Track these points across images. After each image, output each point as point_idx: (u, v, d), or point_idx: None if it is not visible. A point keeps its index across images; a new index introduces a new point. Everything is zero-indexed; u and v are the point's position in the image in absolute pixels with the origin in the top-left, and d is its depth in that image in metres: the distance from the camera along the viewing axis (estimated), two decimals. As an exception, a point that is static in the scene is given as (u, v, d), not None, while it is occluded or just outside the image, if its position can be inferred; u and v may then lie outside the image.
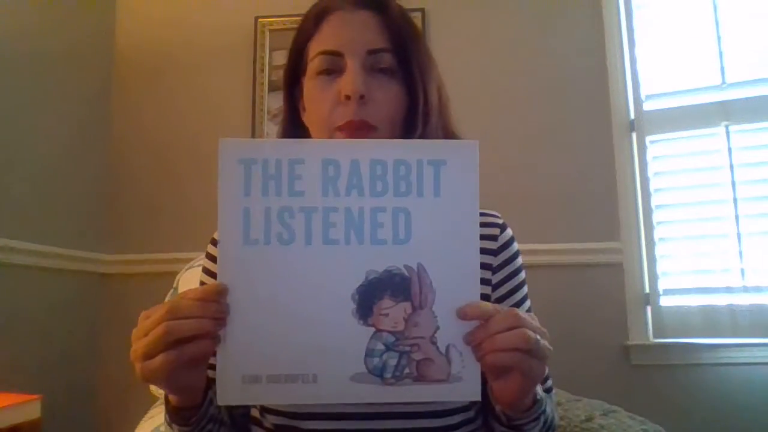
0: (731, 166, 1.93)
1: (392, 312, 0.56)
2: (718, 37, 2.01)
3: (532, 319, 0.58)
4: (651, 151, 2.06)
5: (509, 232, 0.82)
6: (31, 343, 1.85)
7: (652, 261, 2.01)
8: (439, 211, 0.57)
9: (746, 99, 1.95)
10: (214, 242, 0.81)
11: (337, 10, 0.76)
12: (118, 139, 2.35)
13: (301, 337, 0.55)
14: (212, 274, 0.79)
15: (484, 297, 0.77)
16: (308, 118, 0.78)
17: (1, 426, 1.33)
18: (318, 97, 0.74)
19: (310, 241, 0.56)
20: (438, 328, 0.56)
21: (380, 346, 0.55)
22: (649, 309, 2.00)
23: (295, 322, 0.55)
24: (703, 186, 2.00)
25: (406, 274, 0.56)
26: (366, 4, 0.75)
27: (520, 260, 0.81)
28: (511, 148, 2.07)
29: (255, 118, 2.28)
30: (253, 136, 2.27)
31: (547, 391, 0.77)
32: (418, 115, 0.74)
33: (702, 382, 1.90)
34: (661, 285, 1.99)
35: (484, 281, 0.77)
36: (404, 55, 0.74)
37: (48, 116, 2.01)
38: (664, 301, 1.98)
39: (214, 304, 0.54)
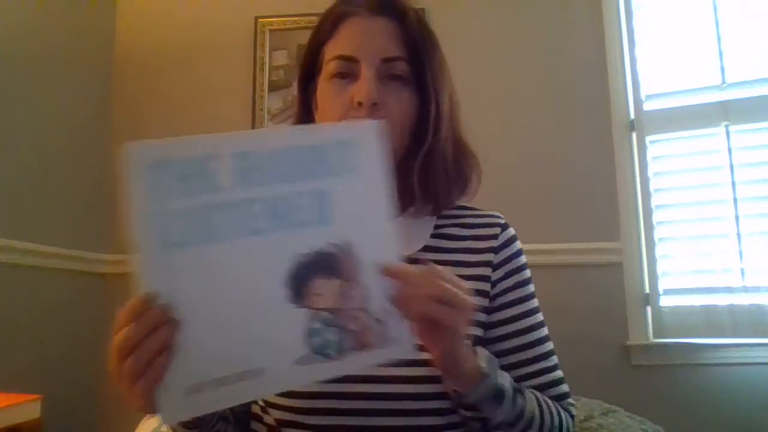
0: (731, 166, 1.93)
1: (325, 290, 0.56)
2: (718, 37, 2.01)
3: (451, 275, 0.60)
4: (651, 151, 2.06)
5: (511, 231, 0.82)
6: (31, 343, 1.85)
7: (652, 261, 2.01)
8: (355, 189, 0.58)
9: (746, 99, 1.95)
10: None
11: (355, 15, 0.77)
12: (118, 139, 2.35)
13: (240, 333, 0.54)
14: None
15: (483, 293, 0.77)
16: (320, 117, 0.80)
17: (1, 426, 1.33)
18: (331, 100, 0.76)
19: (234, 235, 0.54)
20: (369, 297, 0.57)
21: (318, 325, 0.56)
22: (649, 309, 2.00)
23: (231, 320, 0.54)
24: (703, 186, 2.00)
25: (333, 251, 0.57)
26: (384, 10, 0.76)
27: (523, 259, 0.82)
28: (511, 148, 2.07)
29: (255, 118, 2.29)
30: (253, 136, 2.27)
31: (560, 398, 0.77)
32: (428, 123, 0.76)
33: (702, 382, 1.90)
34: (661, 285, 1.99)
35: (483, 278, 0.78)
36: (419, 64, 0.75)
37: (48, 116, 2.01)
38: (664, 301, 1.98)
39: (152, 317, 0.51)
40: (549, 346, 0.79)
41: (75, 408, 2.00)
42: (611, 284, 2.02)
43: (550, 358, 0.78)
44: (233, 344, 0.54)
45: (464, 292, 0.58)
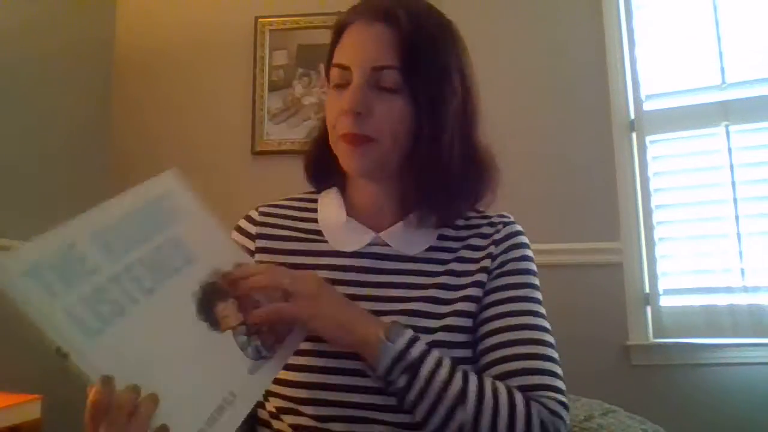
0: (731, 166, 1.93)
1: (228, 311, 0.65)
2: (718, 37, 2.01)
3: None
4: (651, 151, 2.06)
5: (515, 227, 0.82)
6: (31, 343, 1.85)
7: (652, 261, 2.01)
8: (192, 225, 0.67)
9: (746, 99, 1.95)
10: (240, 229, 0.85)
11: (355, 23, 0.77)
12: (118, 139, 2.35)
13: (192, 379, 0.59)
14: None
15: (481, 284, 0.77)
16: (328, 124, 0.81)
17: (1, 426, 1.33)
18: (329, 106, 0.78)
19: (134, 302, 0.58)
20: (258, 301, 0.67)
21: (243, 338, 0.65)
22: (649, 309, 2.00)
23: (182, 369, 0.59)
24: (703, 186, 2.00)
25: (213, 279, 0.65)
26: (380, 17, 0.75)
27: (526, 252, 0.81)
28: (511, 148, 2.06)
29: (255, 118, 2.29)
30: (253, 135, 2.28)
31: (539, 388, 0.70)
32: (423, 130, 0.75)
33: (702, 382, 1.90)
34: (661, 285, 1.99)
35: (483, 269, 0.78)
36: (412, 73, 0.74)
37: (48, 116, 2.01)
38: (664, 301, 1.98)
39: (125, 402, 0.52)
40: (542, 335, 0.74)
41: (75, 408, 1.99)
42: (611, 284, 2.02)
43: (539, 346, 0.73)
44: (192, 391, 0.58)
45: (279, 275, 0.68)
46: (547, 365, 0.72)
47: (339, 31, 0.79)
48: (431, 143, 0.75)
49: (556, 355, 0.74)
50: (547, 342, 0.74)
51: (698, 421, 1.83)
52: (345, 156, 0.77)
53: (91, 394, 0.52)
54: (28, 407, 1.42)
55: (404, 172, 0.78)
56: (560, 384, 0.72)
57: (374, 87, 0.74)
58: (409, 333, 0.67)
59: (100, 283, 0.56)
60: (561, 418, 0.68)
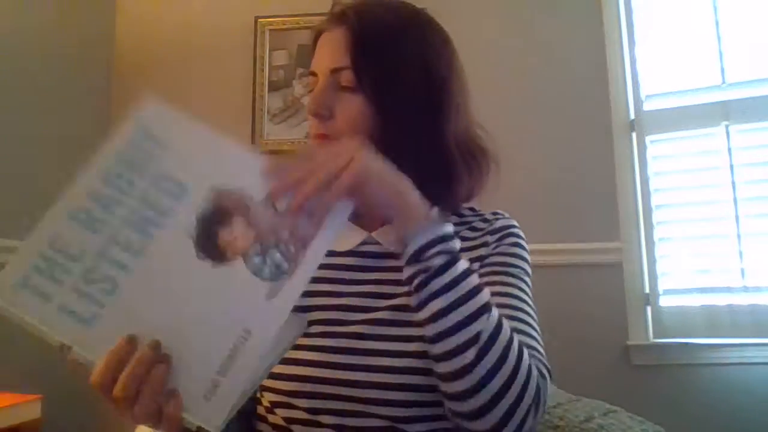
0: (731, 166, 1.93)
1: (235, 233, 0.56)
2: (718, 37, 2.01)
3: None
4: (651, 151, 2.06)
5: (510, 221, 0.83)
6: (31, 343, 1.85)
7: (652, 261, 2.01)
8: (180, 149, 0.60)
9: (746, 99, 1.95)
10: None
11: (324, 30, 0.79)
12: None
13: (207, 319, 0.55)
14: None
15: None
16: None
17: (1, 426, 1.33)
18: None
19: (126, 269, 0.55)
20: (273, 203, 0.57)
21: (257, 259, 0.55)
22: (649, 309, 2.00)
23: (180, 333, 0.54)
24: (703, 186, 2.00)
25: (211, 204, 0.57)
26: (340, 21, 0.77)
27: (517, 240, 0.81)
28: (511, 148, 2.06)
29: (255, 118, 2.29)
30: (253, 135, 2.28)
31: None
32: (386, 126, 0.75)
33: (702, 382, 1.90)
34: (661, 285, 1.99)
35: (479, 258, 0.78)
36: (363, 71, 0.75)
37: (48, 116, 2.01)
38: (664, 301, 1.98)
39: (143, 359, 0.52)
40: (524, 315, 0.73)
41: (75, 408, 2.00)
42: (611, 284, 2.02)
43: (521, 323, 0.72)
44: (208, 333, 0.54)
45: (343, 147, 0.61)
46: (529, 330, 0.71)
47: (314, 40, 0.81)
48: (397, 136, 0.74)
49: (537, 328, 0.73)
50: (529, 313, 0.74)
51: (698, 421, 1.83)
52: None
53: (114, 347, 0.52)
54: (28, 407, 1.42)
55: None
56: (542, 350, 0.71)
57: (337, 89, 0.76)
58: (449, 226, 0.65)
59: (88, 266, 0.55)
60: (545, 379, 0.66)
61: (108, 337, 0.53)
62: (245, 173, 0.57)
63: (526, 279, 0.79)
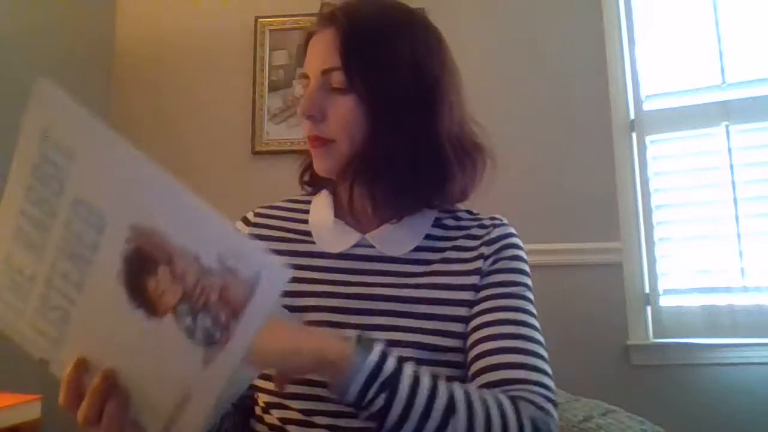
0: (731, 166, 1.93)
1: (162, 285, 0.47)
2: (718, 37, 2.01)
3: None
4: (651, 151, 2.06)
5: (507, 229, 0.81)
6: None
7: (652, 261, 2.01)
8: (86, 166, 0.49)
9: (746, 99, 1.95)
10: (244, 219, 0.87)
11: (314, 32, 0.79)
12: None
13: (147, 377, 0.51)
14: None
15: (473, 287, 0.76)
16: None
17: (1, 426, 1.33)
18: None
19: (72, 302, 0.51)
20: (198, 255, 0.45)
21: (188, 320, 0.46)
22: (649, 309, 2.00)
23: (130, 372, 0.51)
24: (703, 186, 2.00)
25: (132, 244, 0.47)
26: (329, 21, 0.77)
27: (517, 252, 0.80)
28: (510, 149, 2.06)
29: (255, 118, 2.29)
30: (253, 135, 2.28)
31: (519, 382, 0.67)
32: (378, 125, 0.74)
33: (702, 382, 1.90)
34: (661, 285, 1.99)
35: (475, 271, 0.77)
36: (352, 71, 0.74)
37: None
38: (664, 301, 1.98)
39: (99, 390, 0.50)
40: (530, 332, 0.72)
41: (75, 408, 2.00)
42: (611, 284, 2.02)
43: (528, 342, 0.71)
44: (150, 386, 0.51)
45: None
46: (535, 361, 0.70)
47: (306, 43, 0.81)
48: (386, 134, 0.74)
49: (544, 353, 0.72)
50: (536, 339, 0.72)
51: (698, 421, 1.83)
52: (312, 158, 0.80)
53: (67, 373, 0.52)
54: (28, 407, 1.42)
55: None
56: (548, 381, 0.69)
57: (329, 90, 0.75)
58: (379, 344, 0.61)
59: (42, 291, 0.52)
60: (550, 414, 0.65)
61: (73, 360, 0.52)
62: (163, 205, 0.47)
63: (529, 295, 0.77)
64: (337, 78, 0.74)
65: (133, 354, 0.50)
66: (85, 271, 0.49)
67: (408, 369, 0.62)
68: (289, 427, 0.72)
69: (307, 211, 0.86)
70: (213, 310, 0.45)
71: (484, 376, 0.69)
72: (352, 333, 0.71)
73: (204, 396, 0.48)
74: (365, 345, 0.60)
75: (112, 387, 0.50)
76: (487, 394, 0.64)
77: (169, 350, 0.48)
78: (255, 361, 0.56)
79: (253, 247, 0.45)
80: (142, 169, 0.47)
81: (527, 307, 0.75)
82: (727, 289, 1.89)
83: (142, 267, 0.47)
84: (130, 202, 0.47)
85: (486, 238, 0.79)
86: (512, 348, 0.70)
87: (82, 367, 0.51)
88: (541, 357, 0.71)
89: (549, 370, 0.71)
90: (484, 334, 0.72)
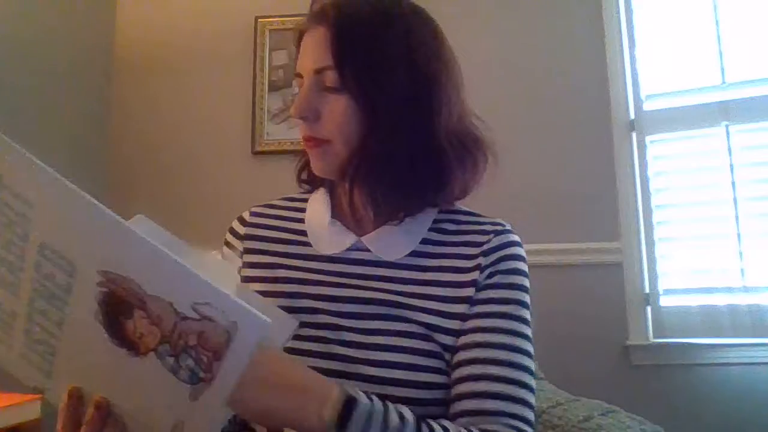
0: (731, 166, 1.93)
1: (140, 328, 0.47)
2: (718, 37, 2.01)
3: None
4: (651, 151, 2.06)
5: (509, 236, 0.78)
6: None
7: (652, 261, 2.01)
8: (43, 212, 0.49)
9: (746, 99, 1.95)
10: (231, 230, 0.86)
11: (306, 30, 0.77)
12: (117, 139, 2.35)
13: (139, 408, 0.52)
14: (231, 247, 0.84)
15: (467, 300, 0.74)
16: None
17: (1, 426, 1.33)
18: None
19: (56, 337, 0.51)
20: (172, 303, 0.46)
21: (171, 361, 0.48)
22: (649, 309, 2.00)
23: (121, 404, 0.52)
24: (703, 186, 2.00)
25: (105, 288, 0.47)
26: (320, 19, 0.74)
27: (518, 264, 0.76)
28: (510, 149, 2.06)
29: (255, 118, 2.29)
30: (253, 135, 2.28)
31: (499, 414, 0.66)
32: (374, 124, 0.72)
33: (702, 382, 1.90)
34: (661, 285, 1.99)
35: (471, 283, 0.75)
36: (346, 70, 0.72)
37: (47, 118, 2.01)
38: (664, 301, 1.98)
39: (93, 423, 0.51)
40: (520, 358, 0.70)
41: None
42: (611, 284, 2.02)
43: (515, 371, 0.69)
44: (147, 415, 0.52)
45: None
46: (517, 391, 0.68)
47: (298, 42, 0.78)
48: (383, 132, 0.72)
49: (532, 383, 0.70)
50: (523, 366, 0.70)
51: (698, 421, 1.83)
52: (310, 158, 0.78)
53: (62, 404, 0.53)
54: (28, 407, 1.42)
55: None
56: (527, 413, 0.67)
57: (322, 89, 0.73)
58: (363, 405, 0.58)
59: (25, 326, 0.52)
60: None
61: (65, 389, 0.53)
62: (129, 256, 0.47)
63: (525, 314, 0.74)
64: (331, 77, 0.72)
65: (121, 387, 0.51)
66: (63, 310, 0.49)
67: (394, 415, 0.60)
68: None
69: (304, 210, 0.84)
70: (194, 352, 0.47)
71: (464, 402, 0.68)
72: (353, 337, 0.71)
73: (197, 425, 0.50)
74: (345, 419, 0.57)
75: (107, 416, 0.52)
76: None
77: (155, 386, 0.49)
78: (236, 411, 0.56)
79: (227, 298, 0.45)
80: (102, 221, 0.47)
81: (520, 329, 0.72)
82: (727, 289, 1.89)
83: (117, 310, 0.48)
84: (96, 250, 0.47)
85: (485, 247, 0.76)
86: (497, 376, 0.68)
87: (75, 396, 0.52)
88: (525, 386, 0.69)
89: (532, 400, 0.69)
90: (471, 356, 0.70)
